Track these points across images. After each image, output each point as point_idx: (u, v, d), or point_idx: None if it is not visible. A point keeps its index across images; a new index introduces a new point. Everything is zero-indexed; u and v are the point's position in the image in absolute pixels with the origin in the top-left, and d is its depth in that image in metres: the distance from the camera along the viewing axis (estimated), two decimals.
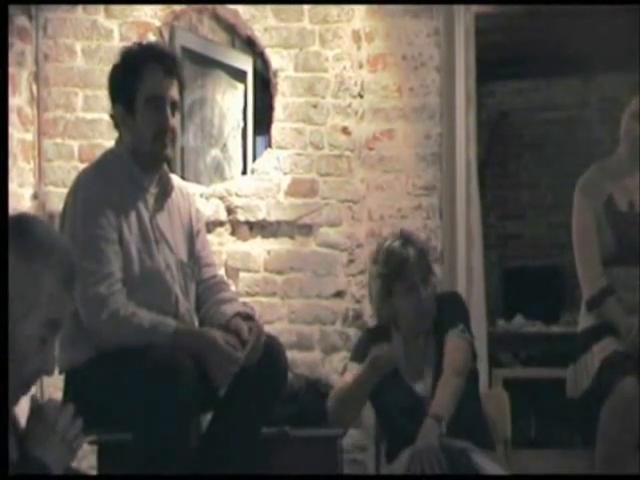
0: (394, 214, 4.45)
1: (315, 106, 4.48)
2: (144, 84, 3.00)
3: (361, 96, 4.49)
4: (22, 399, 1.84)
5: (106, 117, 3.88)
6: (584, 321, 3.52)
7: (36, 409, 1.83)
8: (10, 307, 1.74)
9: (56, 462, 1.79)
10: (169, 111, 3.02)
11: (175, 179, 3.24)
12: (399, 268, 3.10)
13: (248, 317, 3.05)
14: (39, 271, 1.78)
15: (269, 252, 4.45)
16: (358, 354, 3.18)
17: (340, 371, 3.15)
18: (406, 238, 3.20)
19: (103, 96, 4.04)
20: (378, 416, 3.27)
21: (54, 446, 1.79)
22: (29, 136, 4.28)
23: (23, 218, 1.88)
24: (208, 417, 3.11)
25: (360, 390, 3.05)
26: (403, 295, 3.11)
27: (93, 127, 4.35)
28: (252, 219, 4.43)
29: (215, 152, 4.65)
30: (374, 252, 3.25)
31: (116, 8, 4.40)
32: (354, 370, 3.11)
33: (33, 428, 1.81)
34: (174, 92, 3.05)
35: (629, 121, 3.49)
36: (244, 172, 4.71)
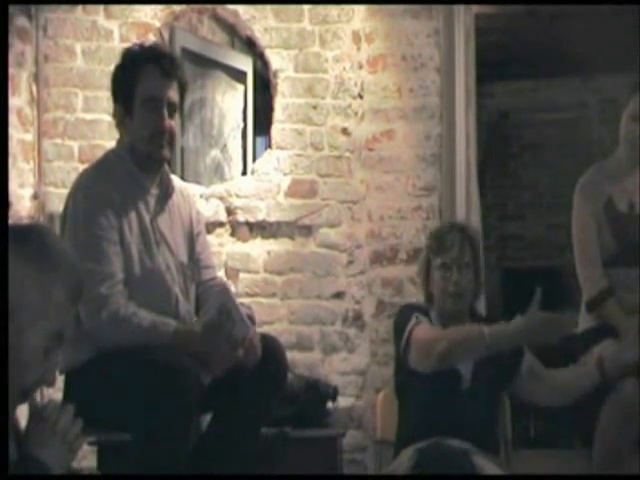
0: (394, 215, 4.45)
1: (315, 107, 4.48)
2: (142, 85, 3.01)
3: (361, 97, 4.49)
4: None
5: (106, 118, 3.91)
6: (584, 322, 3.52)
7: (36, 410, 1.83)
8: (17, 316, 1.74)
9: (56, 462, 1.79)
10: (166, 112, 3.02)
11: (176, 181, 3.24)
12: (439, 243, 3.19)
13: (247, 318, 3.05)
14: (49, 282, 1.78)
15: (269, 253, 4.45)
16: (416, 313, 3.15)
17: (413, 323, 3.10)
18: (460, 226, 3.34)
19: (103, 97, 4.06)
20: (412, 398, 3.17)
21: (54, 446, 1.79)
22: (29, 137, 4.28)
23: (35, 228, 1.89)
24: (208, 417, 3.11)
25: (507, 343, 3.05)
26: (437, 270, 3.17)
27: (93, 128, 4.35)
28: (252, 220, 4.43)
29: (215, 153, 4.65)
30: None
31: (116, 9, 4.40)
32: (424, 321, 3.10)
33: (33, 428, 1.81)
34: (172, 93, 3.04)
35: (628, 122, 3.48)
36: (244, 173, 4.70)
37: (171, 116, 3.04)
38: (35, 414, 1.82)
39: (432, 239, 3.26)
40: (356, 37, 4.48)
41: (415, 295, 4.34)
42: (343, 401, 4.20)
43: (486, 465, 2.91)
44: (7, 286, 1.75)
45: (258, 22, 4.49)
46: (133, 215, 3.00)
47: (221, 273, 4.26)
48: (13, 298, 1.74)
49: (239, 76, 4.75)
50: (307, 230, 4.45)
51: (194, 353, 2.83)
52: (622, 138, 3.51)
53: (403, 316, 3.20)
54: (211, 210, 4.38)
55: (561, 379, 3.20)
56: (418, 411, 3.11)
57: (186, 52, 4.36)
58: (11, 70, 4.04)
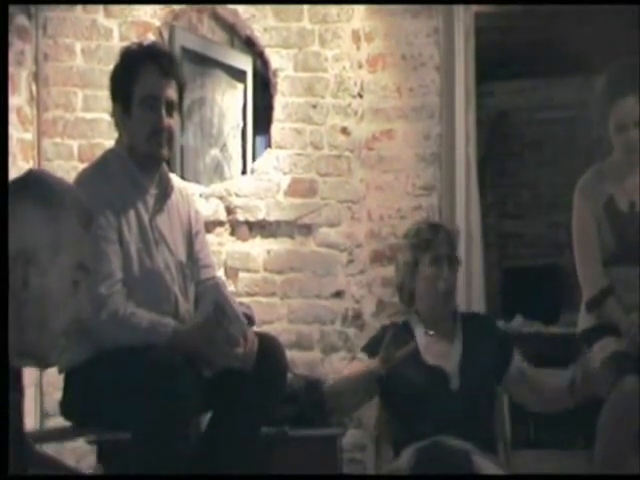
0: (393, 214, 4.45)
1: (315, 106, 4.47)
2: (140, 84, 3.01)
3: (360, 96, 4.49)
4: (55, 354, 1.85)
5: (105, 117, 3.90)
6: (584, 321, 3.52)
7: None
8: (38, 258, 1.77)
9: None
10: (164, 111, 3.01)
11: (175, 180, 3.24)
12: (428, 240, 3.19)
13: (246, 317, 3.05)
14: (56, 214, 1.82)
15: (269, 252, 4.45)
16: (370, 348, 3.19)
17: (349, 359, 3.18)
18: (439, 223, 3.47)
19: (102, 96, 4.06)
20: (394, 404, 3.18)
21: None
22: (28, 136, 4.28)
23: (32, 171, 1.95)
24: (208, 417, 3.11)
25: (361, 383, 3.07)
26: (428, 267, 3.18)
27: (92, 127, 4.35)
28: (252, 219, 4.43)
29: (214, 152, 4.64)
30: (407, 230, 3.38)
31: (116, 8, 4.40)
32: (363, 360, 3.16)
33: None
34: (171, 92, 3.04)
35: (619, 130, 3.41)
36: (244, 172, 4.70)
37: (170, 115, 3.03)
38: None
39: (417, 237, 3.24)
40: (356, 36, 4.48)
41: None
42: None
43: (486, 465, 2.90)
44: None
45: (258, 21, 4.49)
46: (132, 214, 3.00)
47: (221, 272, 4.26)
48: (30, 243, 1.77)
49: (239, 75, 4.75)
50: (307, 229, 4.45)
51: (193, 352, 2.83)
52: (617, 145, 3.46)
53: (373, 340, 3.26)
54: (211, 209, 4.38)
55: (543, 385, 3.19)
56: (408, 418, 3.11)
57: (186, 51, 4.36)
58: (11, 69, 4.04)
